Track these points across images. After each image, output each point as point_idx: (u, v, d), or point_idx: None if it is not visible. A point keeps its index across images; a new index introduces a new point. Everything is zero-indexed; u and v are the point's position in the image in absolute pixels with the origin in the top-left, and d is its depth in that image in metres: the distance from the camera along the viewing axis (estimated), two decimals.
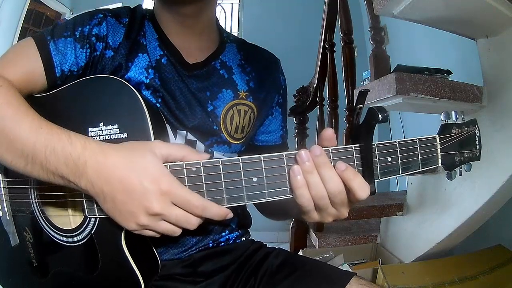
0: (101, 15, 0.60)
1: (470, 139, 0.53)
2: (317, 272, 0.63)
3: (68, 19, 0.59)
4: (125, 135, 0.49)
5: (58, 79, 0.56)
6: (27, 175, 0.47)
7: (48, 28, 0.58)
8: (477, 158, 0.52)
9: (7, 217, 0.59)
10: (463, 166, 0.52)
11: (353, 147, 0.45)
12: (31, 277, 0.58)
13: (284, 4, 3.25)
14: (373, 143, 0.45)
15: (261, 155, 0.44)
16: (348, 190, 0.43)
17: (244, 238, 0.74)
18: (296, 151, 0.44)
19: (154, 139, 0.48)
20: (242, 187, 0.44)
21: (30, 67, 0.55)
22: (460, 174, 0.52)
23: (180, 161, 0.45)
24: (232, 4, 3.52)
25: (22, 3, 3.04)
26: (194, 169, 0.44)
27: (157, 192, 0.41)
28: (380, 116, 0.42)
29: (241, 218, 0.73)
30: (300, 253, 1.63)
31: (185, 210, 0.43)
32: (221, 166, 0.44)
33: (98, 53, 0.58)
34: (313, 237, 1.75)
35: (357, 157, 0.45)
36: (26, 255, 0.58)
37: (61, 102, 0.54)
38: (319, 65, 1.87)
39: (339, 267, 1.47)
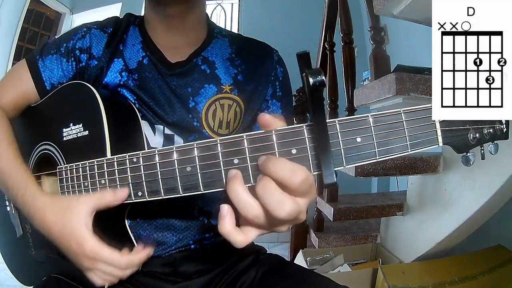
0: (85, 29, 0.64)
1: None
2: (309, 282, 0.59)
3: (56, 38, 0.67)
4: (86, 132, 0.53)
5: (49, 92, 0.62)
6: None
7: (39, 48, 0.65)
8: (504, 136, 0.36)
9: (13, 211, 0.66)
10: (487, 147, 0.37)
11: (304, 127, 0.36)
12: (31, 263, 0.66)
13: (284, 4, 3.25)
14: (334, 119, 0.36)
15: (195, 142, 0.40)
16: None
17: None
18: (233, 135, 0.38)
19: (113, 134, 0.51)
20: (176, 177, 0.41)
21: (23, 85, 0.63)
22: (483, 158, 0.37)
23: (108, 205, 0.47)
24: (232, 4, 3.53)
25: (22, 3, 3.05)
26: (134, 159, 0.44)
27: (83, 255, 0.48)
28: (311, 80, 0.32)
29: None
30: (300, 253, 1.63)
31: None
32: (157, 155, 0.42)
33: (83, 64, 0.63)
34: (313, 237, 1.75)
35: (309, 138, 0.36)
36: (27, 244, 0.65)
37: (43, 110, 0.63)
38: (319, 65, 1.88)
39: (336, 268, 1.45)
